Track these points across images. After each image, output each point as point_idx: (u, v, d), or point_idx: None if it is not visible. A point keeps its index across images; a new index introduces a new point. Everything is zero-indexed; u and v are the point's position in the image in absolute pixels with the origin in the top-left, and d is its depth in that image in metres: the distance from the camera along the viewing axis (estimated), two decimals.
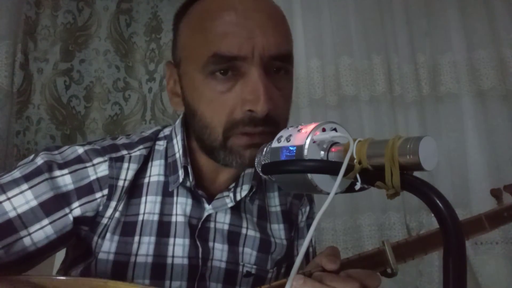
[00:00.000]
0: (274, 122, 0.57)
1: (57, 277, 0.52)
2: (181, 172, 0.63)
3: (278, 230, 0.73)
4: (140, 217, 0.62)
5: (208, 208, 0.65)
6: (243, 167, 0.59)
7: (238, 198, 0.66)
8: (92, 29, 1.71)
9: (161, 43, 1.73)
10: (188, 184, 0.64)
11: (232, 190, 0.66)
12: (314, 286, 0.50)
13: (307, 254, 0.78)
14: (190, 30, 0.61)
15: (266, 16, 0.57)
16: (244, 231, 0.68)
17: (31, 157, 0.59)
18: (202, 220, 0.65)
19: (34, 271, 0.58)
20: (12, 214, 0.53)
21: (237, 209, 0.68)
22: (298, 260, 0.37)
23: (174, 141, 0.66)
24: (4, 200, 0.54)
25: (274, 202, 0.74)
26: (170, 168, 0.65)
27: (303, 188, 0.42)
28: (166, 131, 0.69)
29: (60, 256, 0.77)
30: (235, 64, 0.55)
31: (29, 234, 0.54)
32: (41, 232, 0.55)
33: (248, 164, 0.57)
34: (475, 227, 0.68)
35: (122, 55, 1.74)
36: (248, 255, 0.68)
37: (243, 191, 0.66)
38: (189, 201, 0.64)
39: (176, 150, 0.65)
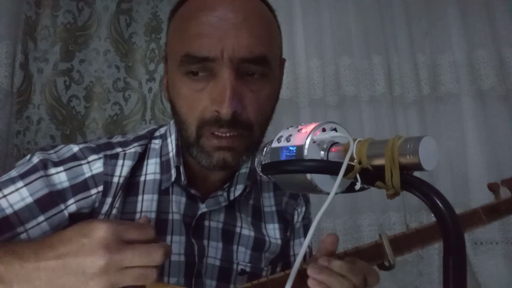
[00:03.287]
0: (243, 124, 0.57)
1: None
2: (173, 172, 0.64)
3: (273, 229, 0.73)
4: (138, 215, 0.63)
5: (202, 207, 0.66)
6: (212, 168, 0.59)
7: (232, 197, 0.66)
8: (92, 29, 1.71)
9: (161, 43, 1.73)
10: (181, 183, 0.64)
11: (226, 189, 0.67)
12: (330, 275, 0.52)
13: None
14: (174, 29, 0.62)
15: (243, 17, 0.56)
16: (238, 229, 0.69)
17: (28, 156, 0.60)
18: (196, 218, 0.65)
19: None
20: (8, 211, 0.54)
21: (231, 208, 0.69)
22: (298, 260, 0.37)
23: (168, 140, 0.67)
24: (0, 198, 0.54)
25: (269, 202, 0.74)
26: (163, 167, 0.65)
27: (303, 188, 0.42)
28: (162, 130, 0.70)
29: None
30: (207, 65, 0.56)
31: (26, 231, 0.55)
32: (37, 228, 0.55)
33: (216, 165, 0.58)
34: (473, 220, 0.69)
35: (122, 55, 1.74)
36: (243, 253, 0.68)
37: (237, 190, 0.66)
38: (183, 199, 0.65)
39: (170, 149, 0.66)
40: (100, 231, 0.43)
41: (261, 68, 0.58)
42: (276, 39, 0.63)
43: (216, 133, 0.57)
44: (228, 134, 0.56)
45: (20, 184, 0.56)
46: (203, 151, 0.58)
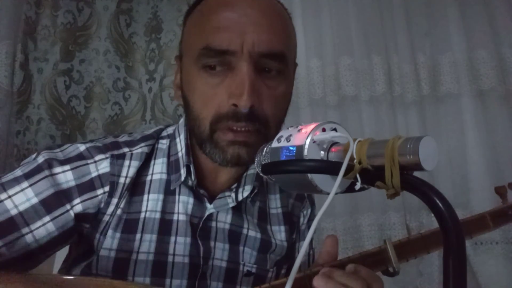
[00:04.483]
0: (259, 119, 0.57)
1: (64, 276, 0.52)
2: (183, 171, 0.63)
3: (279, 231, 0.73)
4: (142, 215, 0.62)
5: (210, 207, 0.65)
6: (225, 164, 0.59)
7: (240, 198, 0.66)
8: (92, 29, 1.71)
9: (161, 43, 1.73)
10: (190, 183, 0.64)
11: (234, 190, 0.66)
12: (336, 286, 0.51)
13: (307, 255, 0.78)
14: (191, 25, 0.63)
15: (262, 14, 0.58)
16: (245, 231, 0.68)
17: (33, 156, 0.60)
18: (203, 219, 0.65)
19: (35, 271, 0.59)
20: (13, 211, 0.54)
21: (238, 210, 0.68)
22: (298, 261, 0.37)
23: (177, 139, 0.67)
24: (5, 198, 0.54)
25: (276, 204, 0.74)
26: (172, 167, 0.65)
27: (303, 188, 0.42)
28: (169, 130, 0.70)
29: (60, 255, 0.77)
30: (226, 58, 0.56)
31: (31, 231, 0.54)
32: (42, 229, 0.55)
33: (229, 160, 0.58)
34: (479, 226, 0.68)
35: (122, 55, 1.74)
36: (249, 254, 0.68)
37: (245, 191, 0.66)
38: (191, 200, 0.64)
39: (179, 148, 0.65)
40: None
41: (279, 64, 0.59)
42: (292, 39, 0.64)
43: (233, 127, 0.57)
44: (244, 129, 0.56)
45: (25, 184, 0.55)
46: (217, 146, 0.58)
